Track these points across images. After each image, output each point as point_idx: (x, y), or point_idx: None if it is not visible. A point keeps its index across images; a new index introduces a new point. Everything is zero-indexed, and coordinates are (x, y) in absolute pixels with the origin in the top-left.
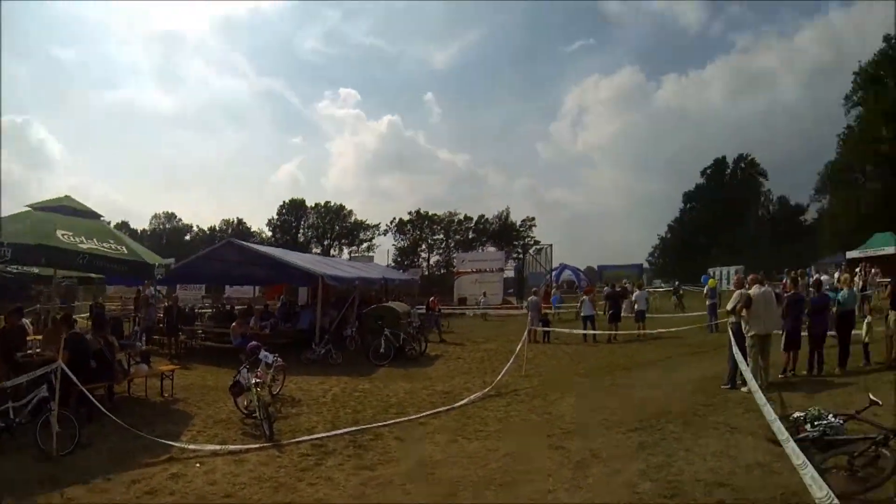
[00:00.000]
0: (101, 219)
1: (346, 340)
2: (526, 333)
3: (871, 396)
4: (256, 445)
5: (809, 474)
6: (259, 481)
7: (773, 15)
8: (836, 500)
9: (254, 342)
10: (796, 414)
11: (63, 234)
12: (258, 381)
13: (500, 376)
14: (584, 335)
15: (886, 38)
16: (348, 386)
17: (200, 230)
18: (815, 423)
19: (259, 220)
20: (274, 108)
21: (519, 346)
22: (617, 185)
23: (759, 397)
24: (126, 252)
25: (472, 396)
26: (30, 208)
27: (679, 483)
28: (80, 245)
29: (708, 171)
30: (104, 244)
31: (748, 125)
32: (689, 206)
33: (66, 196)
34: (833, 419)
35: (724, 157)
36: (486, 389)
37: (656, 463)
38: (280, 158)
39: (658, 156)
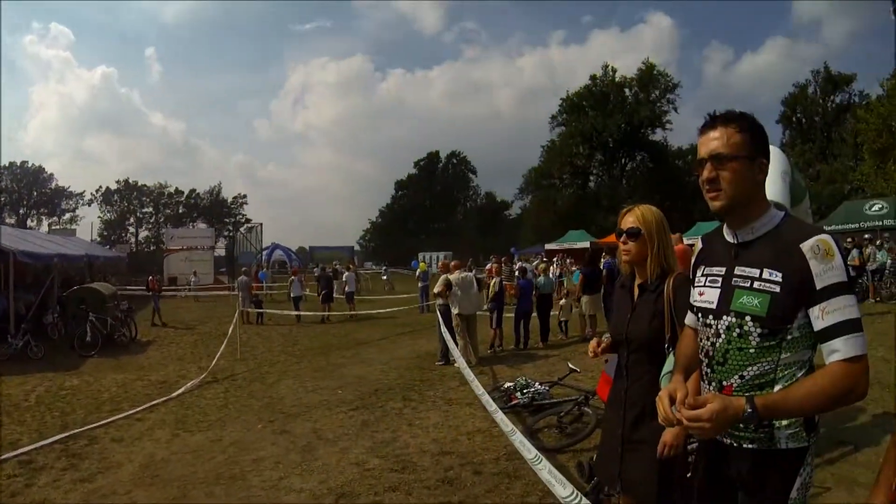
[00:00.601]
0: None
1: (47, 329)
2: (237, 315)
3: (570, 365)
4: None
5: (518, 439)
6: None
7: (504, 37)
8: (543, 458)
9: None
10: (507, 384)
11: None
12: None
13: (215, 361)
14: (298, 316)
15: (592, 78)
16: (54, 384)
17: None
18: (524, 390)
19: None
20: None
21: (231, 328)
22: (332, 167)
23: (468, 373)
24: None
25: (188, 384)
26: None
27: (407, 455)
28: None
29: (421, 163)
30: None
31: (463, 126)
32: (401, 193)
33: None
34: (539, 386)
35: (437, 152)
36: (203, 376)
37: (382, 439)
38: None
39: (375, 143)
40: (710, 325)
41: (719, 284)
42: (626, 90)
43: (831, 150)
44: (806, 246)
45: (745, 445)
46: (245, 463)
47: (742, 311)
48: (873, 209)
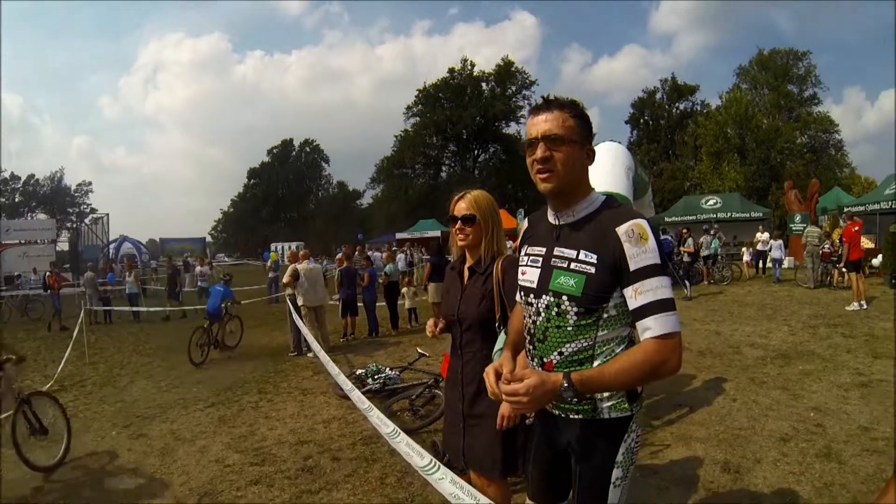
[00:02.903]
0: None
1: None
2: (83, 314)
3: (419, 350)
4: None
5: (376, 416)
6: None
7: (367, 23)
8: (400, 432)
9: None
10: (359, 371)
11: None
12: None
13: (61, 366)
14: (136, 314)
15: (450, 70)
16: None
17: None
18: (376, 376)
19: None
20: None
21: (76, 330)
22: (184, 153)
23: (323, 356)
24: None
25: None
26: None
27: (266, 448)
28: None
29: (275, 150)
30: None
31: (318, 113)
32: (254, 182)
33: None
34: (390, 371)
35: (291, 139)
36: (49, 384)
37: (240, 434)
38: None
39: (229, 128)
40: (531, 304)
41: (540, 265)
42: (483, 84)
43: (674, 150)
44: (621, 230)
45: (571, 416)
46: (102, 472)
47: (559, 290)
48: (708, 203)
